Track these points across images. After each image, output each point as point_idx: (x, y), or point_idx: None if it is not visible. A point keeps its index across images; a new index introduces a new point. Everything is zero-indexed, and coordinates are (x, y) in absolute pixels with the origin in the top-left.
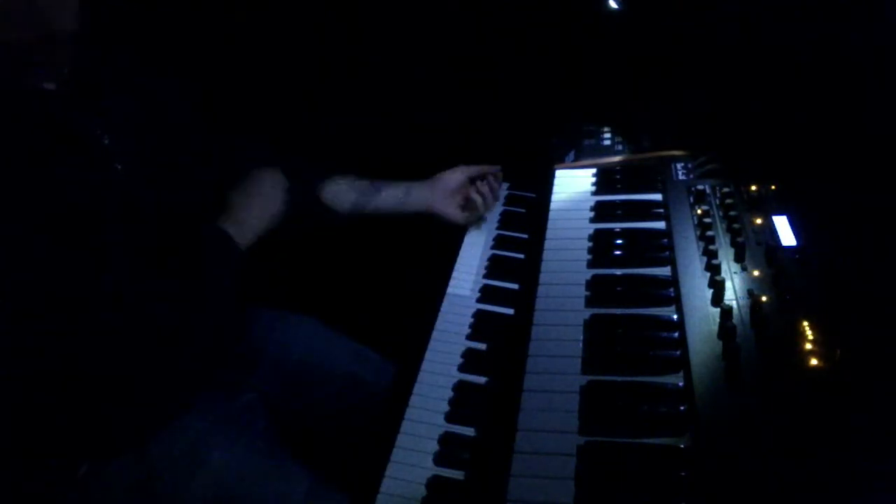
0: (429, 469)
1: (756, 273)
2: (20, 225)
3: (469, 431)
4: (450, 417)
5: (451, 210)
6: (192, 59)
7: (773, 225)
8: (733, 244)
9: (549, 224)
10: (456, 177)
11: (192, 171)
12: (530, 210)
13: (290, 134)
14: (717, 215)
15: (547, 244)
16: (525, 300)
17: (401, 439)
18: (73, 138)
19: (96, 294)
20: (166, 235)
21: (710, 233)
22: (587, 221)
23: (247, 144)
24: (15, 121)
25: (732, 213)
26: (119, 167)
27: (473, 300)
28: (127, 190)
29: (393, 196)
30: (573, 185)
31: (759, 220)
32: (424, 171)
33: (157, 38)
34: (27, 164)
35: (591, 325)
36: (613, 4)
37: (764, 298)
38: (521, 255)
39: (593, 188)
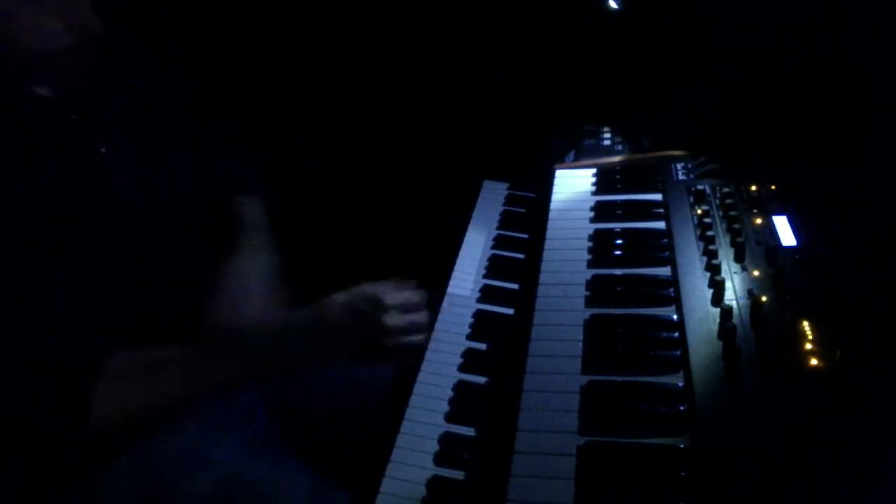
0: (429, 469)
1: (756, 273)
2: (7, 231)
3: (469, 431)
4: (450, 417)
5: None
6: (194, 66)
7: (773, 225)
8: (733, 244)
9: (549, 224)
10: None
11: (188, 182)
12: (530, 210)
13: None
14: (717, 215)
15: (547, 244)
16: (525, 300)
17: (401, 439)
18: (66, 145)
19: (87, 299)
20: (159, 244)
21: (710, 233)
22: (587, 221)
23: (235, 166)
24: (4, 127)
25: (732, 213)
26: (117, 176)
27: (473, 300)
28: (122, 198)
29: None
30: (573, 185)
31: (759, 220)
32: (424, 172)
33: (159, 44)
34: (16, 170)
35: (591, 325)
36: (613, 4)
37: (764, 298)
38: (521, 255)
39: (593, 188)
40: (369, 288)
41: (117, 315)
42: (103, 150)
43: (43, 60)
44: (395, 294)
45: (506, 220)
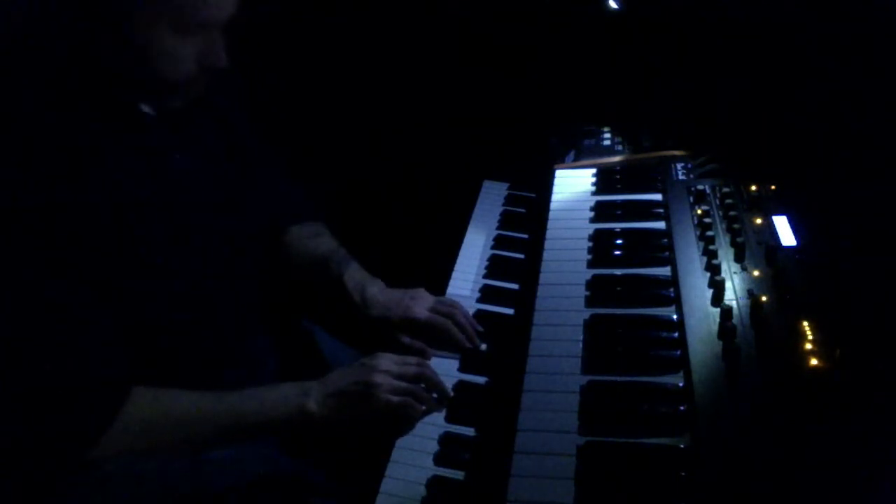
0: (429, 469)
1: (756, 273)
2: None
3: (469, 431)
4: (450, 417)
5: (404, 337)
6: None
7: (773, 225)
8: (733, 244)
9: (549, 224)
10: (420, 307)
11: (253, 199)
12: (530, 210)
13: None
14: (717, 215)
15: (547, 244)
16: (525, 300)
17: (401, 439)
18: (152, 163)
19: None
20: (216, 261)
21: (710, 233)
22: (587, 221)
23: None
24: (102, 138)
25: (732, 213)
26: (186, 186)
27: (473, 300)
28: (188, 209)
29: (357, 276)
30: (573, 185)
31: (759, 220)
32: (424, 172)
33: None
34: (96, 184)
35: (591, 325)
36: (613, 4)
37: (764, 298)
38: (521, 255)
39: (593, 188)
40: (368, 360)
41: (150, 345)
42: (178, 156)
43: (166, 85)
44: (392, 367)
45: (506, 220)
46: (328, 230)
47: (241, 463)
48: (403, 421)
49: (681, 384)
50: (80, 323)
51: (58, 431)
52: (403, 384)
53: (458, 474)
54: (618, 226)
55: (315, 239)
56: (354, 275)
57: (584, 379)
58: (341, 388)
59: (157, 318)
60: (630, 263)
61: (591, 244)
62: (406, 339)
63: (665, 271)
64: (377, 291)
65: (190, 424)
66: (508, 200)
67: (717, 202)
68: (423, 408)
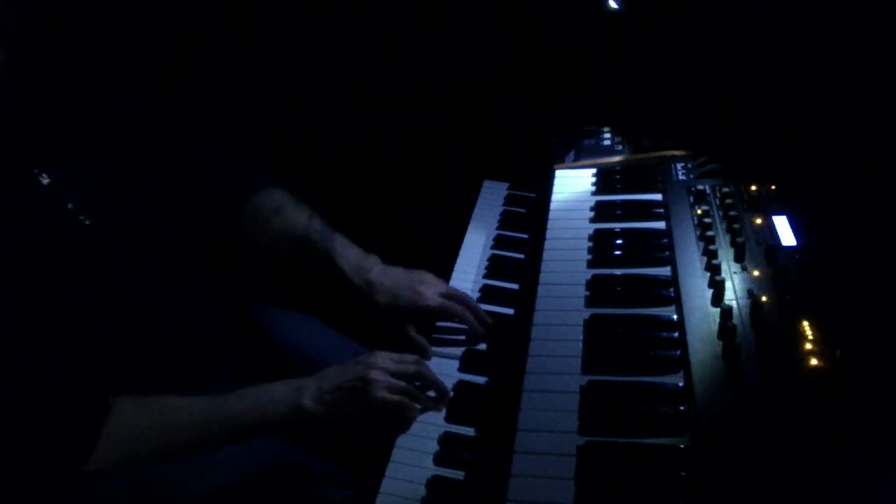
0: (429, 469)
1: (756, 273)
2: None
3: (469, 431)
4: (450, 417)
5: (410, 331)
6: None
7: (773, 225)
8: (733, 244)
9: (549, 224)
10: (431, 292)
11: (172, 203)
12: (530, 210)
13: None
14: (717, 215)
15: (547, 244)
16: (525, 300)
17: (401, 439)
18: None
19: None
20: (143, 272)
21: (710, 233)
22: (587, 221)
23: (236, 162)
24: None
25: (732, 213)
26: (70, 206)
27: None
28: (83, 233)
29: (351, 255)
30: (573, 185)
31: (759, 220)
32: (424, 172)
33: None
34: None
35: (591, 325)
36: (613, 4)
37: (764, 298)
38: (521, 255)
39: (593, 188)
40: (365, 357)
41: (109, 357)
42: (45, 180)
43: None
44: (389, 364)
45: (506, 220)
46: (289, 196)
47: (250, 456)
48: (400, 420)
49: (681, 384)
50: (41, 351)
51: (44, 457)
52: (401, 383)
53: (458, 474)
54: (618, 226)
55: (280, 215)
56: (347, 254)
57: (584, 379)
58: (337, 385)
59: (111, 336)
60: (630, 263)
61: (591, 244)
62: (412, 332)
63: (665, 271)
64: (380, 273)
65: (184, 429)
66: (508, 200)
67: (717, 202)
68: (420, 407)
